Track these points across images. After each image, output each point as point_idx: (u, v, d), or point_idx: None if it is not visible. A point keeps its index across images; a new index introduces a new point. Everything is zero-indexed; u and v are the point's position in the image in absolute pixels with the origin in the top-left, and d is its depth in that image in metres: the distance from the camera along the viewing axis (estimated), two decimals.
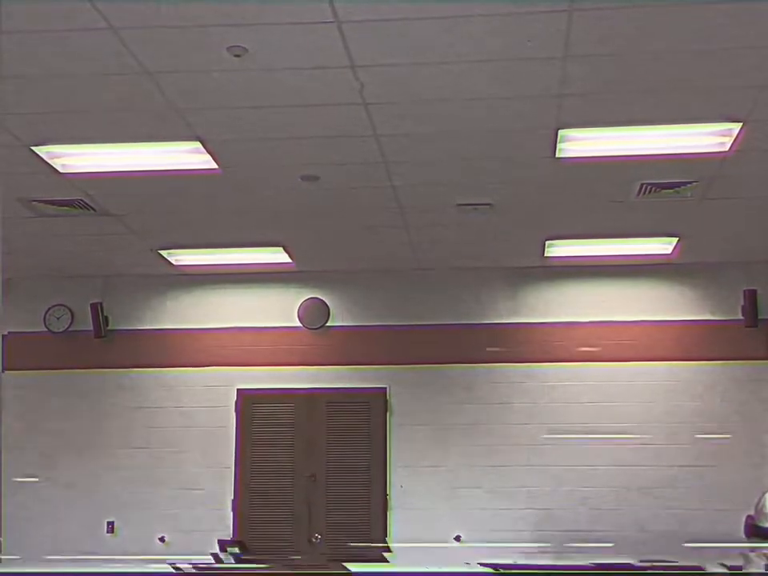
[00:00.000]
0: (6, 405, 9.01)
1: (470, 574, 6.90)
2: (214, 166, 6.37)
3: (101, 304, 9.18)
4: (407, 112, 5.58)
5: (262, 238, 8.21)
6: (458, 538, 8.64)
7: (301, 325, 9.12)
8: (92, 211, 7.32)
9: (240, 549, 8.37)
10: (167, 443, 8.98)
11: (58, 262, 8.89)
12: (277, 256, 8.68)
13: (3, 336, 9.00)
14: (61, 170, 6.46)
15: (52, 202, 7.12)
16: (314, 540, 8.67)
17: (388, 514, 8.73)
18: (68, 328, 9.22)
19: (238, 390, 9.02)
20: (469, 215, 7.44)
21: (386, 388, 8.92)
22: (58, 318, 9.26)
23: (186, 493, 8.86)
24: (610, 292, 9.02)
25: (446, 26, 4.62)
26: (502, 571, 6.68)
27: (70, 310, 9.28)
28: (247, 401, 9.01)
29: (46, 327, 9.25)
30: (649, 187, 6.84)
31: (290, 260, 8.79)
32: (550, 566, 7.66)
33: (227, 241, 8.29)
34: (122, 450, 9.01)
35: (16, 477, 8.87)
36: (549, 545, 8.45)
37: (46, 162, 6.29)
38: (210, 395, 9.05)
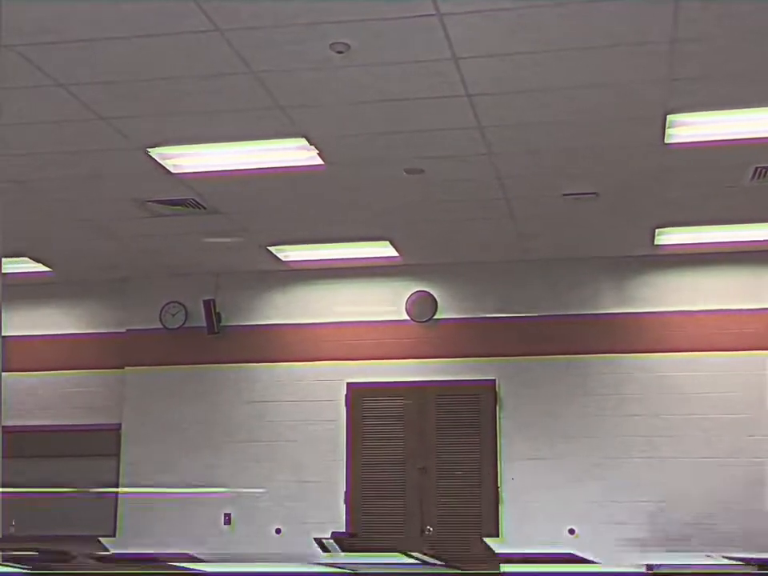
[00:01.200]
0: (127, 400, 9.25)
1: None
2: (320, 161, 6.39)
3: (213, 301, 9.26)
4: (511, 102, 5.51)
5: (369, 232, 8.18)
6: (571, 532, 8.48)
7: (409, 318, 9.09)
8: (203, 210, 7.40)
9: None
10: (280, 436, 9.04)
11: (172, 260, 8.98)
12: (384, 250, 8.67)
13: (124, 332, 9.25)
14: (173, 171, 6.56)
15: (165, 202, 7.24)
16: (426, 532, 8.61)
17: (499, 507, 8.61)
18: (183, 325, 9.33)
19: (348, 383, 9.04)
20: (575, 205, 7.33)
21: (494, 380, 8.82)
22: (173, 315, 9.37)
23: (298, 485, 8.90)
24: (725, 279, 8.73)
25: (549, 14, 4.54)
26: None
27: (184, 307, 9.38)
28: (357, 394, 9.03)
29: (162, 324, 9.38)
30: (763, 170, 6.63)
31: (396, 254, 8.76)
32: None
33: (334, 236, 8.28)
34: (236, 443, 9.10)
35: (137, 469, 9.07)
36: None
37: (159, 163, 6.41)
38: (320, 389, 9.07)
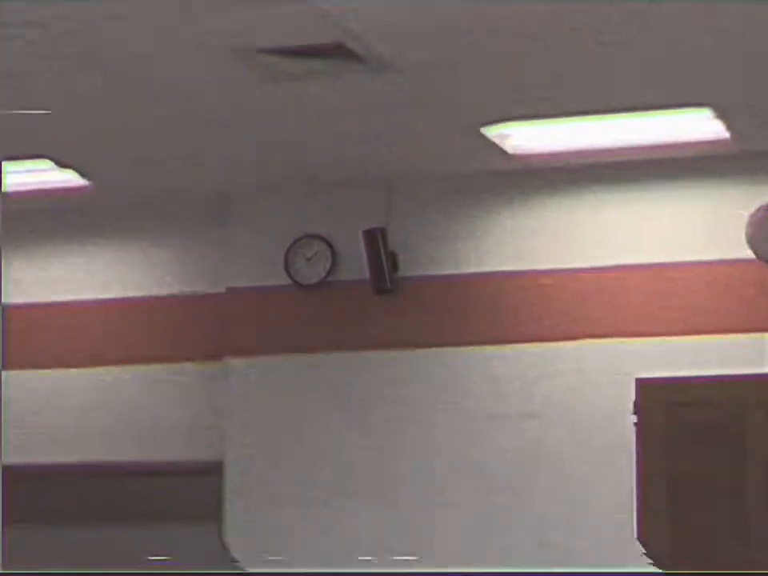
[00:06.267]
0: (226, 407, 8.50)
1: None
2: None
3: (383, 232, 8.10)
4: None
5: (668, 91, 7.13)
6: None
7: (754, 254, 7.68)
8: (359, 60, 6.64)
9: None
10: (518, 470, 8.17)
11: (306, 154, 8.20)
12: (697, 123, 7.46)
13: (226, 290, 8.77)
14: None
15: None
16: None
17: None
18: (326, 277, 8.33)
19: (637, 379, 7.73)
20: None
21: None
22: (308, 259, 8.38)
23: (565, 515, 8.16)
24: None
25: None
26: None
27: (329, 245, 8.35)
28: (653, 396, 7.83)
29: (290, 276, 8.38)
30: None
31: (724, 129, 7.49)
32: None
33: (606, 102, 7.25)
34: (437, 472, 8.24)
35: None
36: None
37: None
38: (586, 389, 7.97)
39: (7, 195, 8.79)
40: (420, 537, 8.20)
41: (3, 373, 9.01)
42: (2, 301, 9.13)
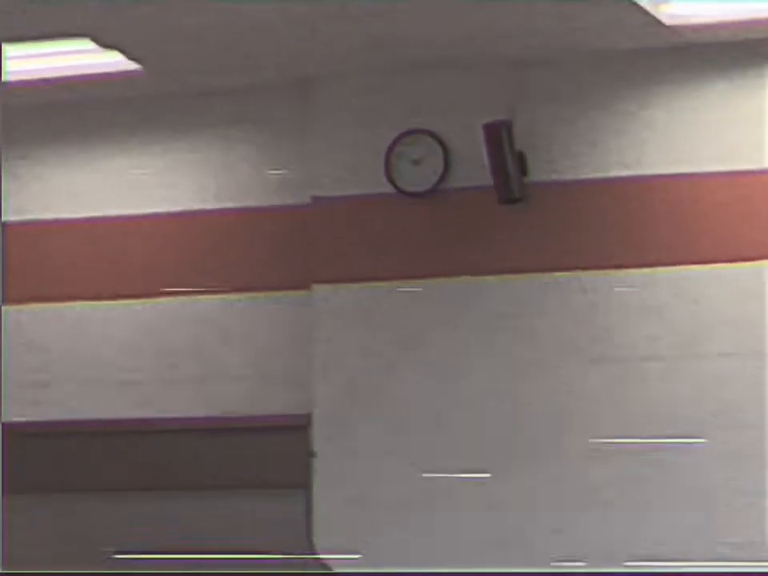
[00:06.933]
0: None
1: None
2: None
3: (507, 126, 7.58)
4: None
5: None
6: None
7: None
8: None
9: None
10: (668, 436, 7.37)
11: (409, 30, 7.56)
12: None
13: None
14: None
15: None
16: None
17: None
18: (437, 183, 7.74)
19: None
20: None
21: None
22: (414, 161, 7.88)
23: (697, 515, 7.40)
24: None
25: None
26: None
27: (441, 144, 7.80)
28: None
29: (390, 182, 7.83)
30: None
31: None
32: None
33: None
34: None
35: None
36: None
37: None
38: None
39: (34, 83, 8.28)
40: (545, 501, 7.61)
41: (11, 307, 8.58)
42: (5, 218, 8.53)
